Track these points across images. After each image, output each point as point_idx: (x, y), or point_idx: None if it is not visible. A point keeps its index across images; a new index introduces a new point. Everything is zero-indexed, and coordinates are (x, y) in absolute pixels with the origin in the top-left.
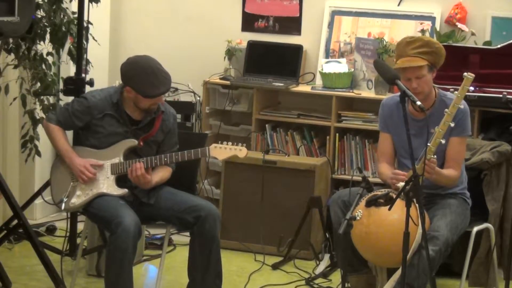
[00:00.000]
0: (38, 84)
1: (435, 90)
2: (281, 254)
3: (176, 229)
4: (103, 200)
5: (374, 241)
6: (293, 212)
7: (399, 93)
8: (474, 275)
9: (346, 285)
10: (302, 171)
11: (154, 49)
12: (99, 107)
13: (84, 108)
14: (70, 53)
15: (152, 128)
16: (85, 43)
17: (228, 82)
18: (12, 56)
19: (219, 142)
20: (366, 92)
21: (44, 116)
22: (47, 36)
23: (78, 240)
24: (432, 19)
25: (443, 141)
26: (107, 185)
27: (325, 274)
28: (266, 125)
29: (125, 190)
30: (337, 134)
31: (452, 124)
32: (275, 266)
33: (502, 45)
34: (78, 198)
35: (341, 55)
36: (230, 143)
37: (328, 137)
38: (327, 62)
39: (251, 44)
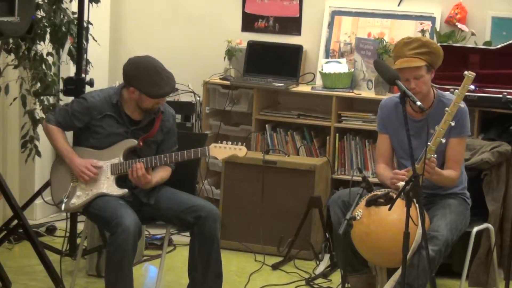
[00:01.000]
0: (38, 84)
1: (433, 90)
2: (281, 254)
3: (176, 229)
4: (103, 200)
5: (374, 241)
6: (293, 212)
7: (397, 94)
8: (474, 275)
9: (346, 285)
10: (302, 171)
11: (154, 49)
12: (99, 107)
13: (84, 109)
14: (70, 53)
15: (152, 128)
16: (85, 43)
17: (228, 82)
18: (12, 56)
19: (219, 142)
20: (366, 92)
21: (44, 116)
22: (47, 36)
23: (78, 240)
24: (432, 19)
25: (443, 140)
26: (107, 185)
27: (325, 274)
28: (266, 125)
29: (125, 190)
30: (337, 134)
31: (453, 123)
32: (275, 266)
33: (502, 45)
34: (78, 199)
35: (341, 55)
36: (229, 142)
37: (328, 137)
38: (327, 62)
39: (251, 44)
